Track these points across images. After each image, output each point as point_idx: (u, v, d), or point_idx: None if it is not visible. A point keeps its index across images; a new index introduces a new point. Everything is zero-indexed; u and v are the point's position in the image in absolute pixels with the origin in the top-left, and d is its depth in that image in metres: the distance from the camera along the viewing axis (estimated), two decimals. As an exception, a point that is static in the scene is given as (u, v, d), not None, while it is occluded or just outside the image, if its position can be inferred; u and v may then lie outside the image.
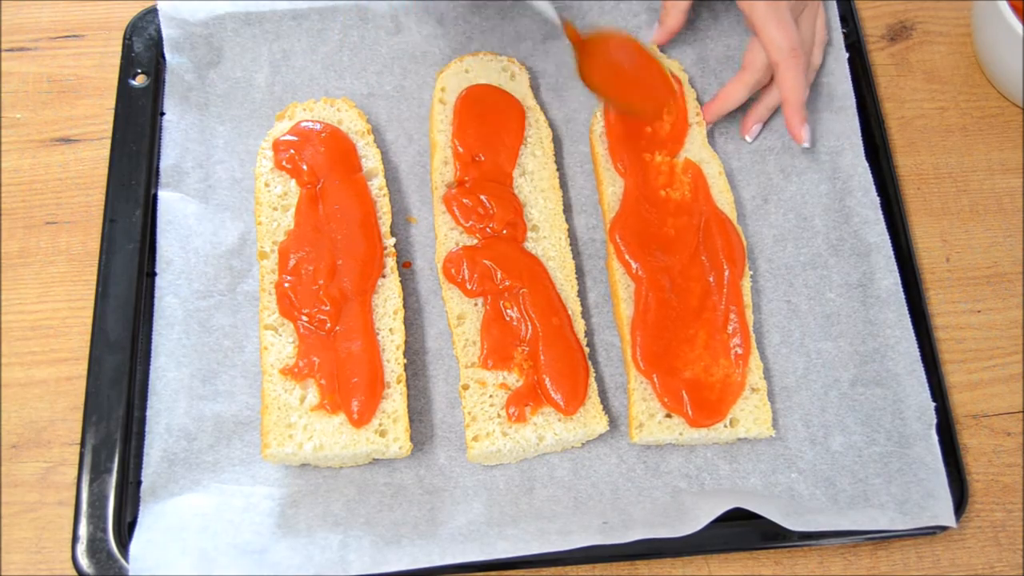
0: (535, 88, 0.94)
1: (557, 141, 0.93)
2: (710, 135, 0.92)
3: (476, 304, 0.82)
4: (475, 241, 0.84)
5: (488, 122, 0.89)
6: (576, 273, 0.85)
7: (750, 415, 0.80)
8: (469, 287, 0.82)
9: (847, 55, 0.94)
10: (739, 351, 0.81)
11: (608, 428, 0.79)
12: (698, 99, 0.92)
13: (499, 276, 0.82)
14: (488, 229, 0.84)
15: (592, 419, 0.79)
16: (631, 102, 0.89)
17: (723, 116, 0.91)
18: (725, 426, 0.79)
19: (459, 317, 0.82)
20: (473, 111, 0.89)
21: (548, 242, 0.85)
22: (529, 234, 0.85)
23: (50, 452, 0.81)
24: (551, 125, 0.92)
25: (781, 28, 0.83)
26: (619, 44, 0.89)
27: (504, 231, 0.84)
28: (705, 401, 0.79)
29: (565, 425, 0.78)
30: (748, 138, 0.92)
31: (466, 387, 0.79)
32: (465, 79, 0.91)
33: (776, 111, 0.92)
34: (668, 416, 0.79)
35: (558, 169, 0.90)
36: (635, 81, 0.89)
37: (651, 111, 0.89)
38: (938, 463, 0.78)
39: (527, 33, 0.96)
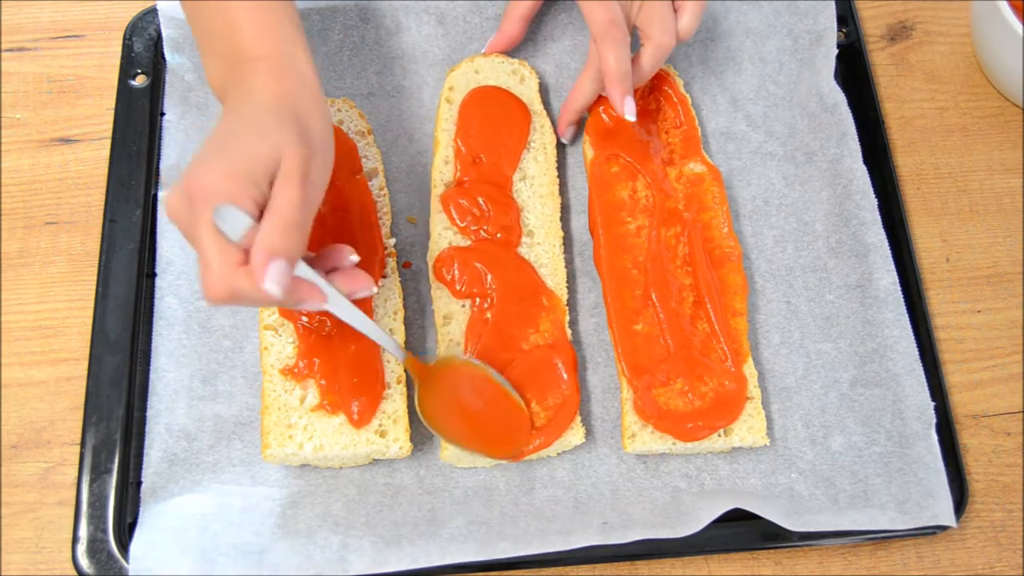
0: (544, 93, 0.93)
1: (559, 144, 0.92)
2: (704, 140, 0.91)
3: (464, 306, 0.82)
4: (469, 243, 0.84)
5: (493, 124, 0.88)
6: (574, 274, 0.85)
7: (744, 424, 0.79)
8: (459, 288, 0.82)
9: (856, 54, 0.94)
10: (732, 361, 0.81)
11: (584, 440, 0.79)
12: (694, 104, 0.92)
13: (489, 279, 0.82)
14: (483, 232, 0.84)
15: (568, 431, 0.79)
16: (472, 443, 0.77)
17: (581, 113, 0.88)
18: (719, 436, 0.79)
19: (446, 317, 0.82)
20: (479, 112, 0.89)
21: (542, 248, 0.85)
22: (524, 239, 0.85)
23: (50, 452, 0.81)
24: (554, 129, 0.92)
25: (599, 2, 0.81)
26: (466, 375, 0.79)
27: (499, 235, 0.84)
28: None
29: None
30: (564, 140, 0.91)
31: None
32: (474, 80, 0.91)
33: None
34: None
35: (559, 172, 0.90)
36: (480, 419, 0.78)
37: (498, 453, 0.78)
38: (938, 462, 0.78)
39: (528, 34, 0.96)
